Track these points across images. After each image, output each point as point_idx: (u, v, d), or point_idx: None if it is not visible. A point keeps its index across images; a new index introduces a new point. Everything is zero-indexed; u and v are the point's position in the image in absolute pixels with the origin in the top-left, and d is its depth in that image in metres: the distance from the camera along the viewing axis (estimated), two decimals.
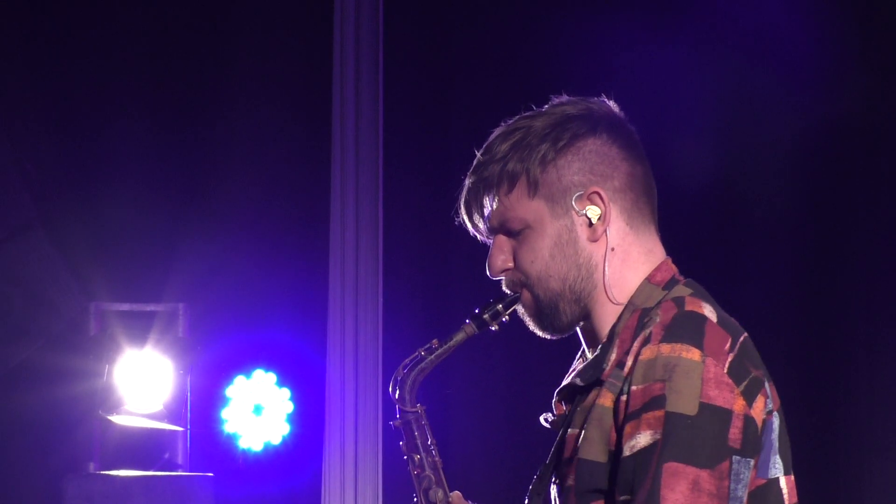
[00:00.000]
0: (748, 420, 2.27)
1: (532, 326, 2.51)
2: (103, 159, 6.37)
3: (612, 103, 2.56)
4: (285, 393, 6.33)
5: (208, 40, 6.46)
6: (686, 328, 2.31)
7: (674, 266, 2.49)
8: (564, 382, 2.46)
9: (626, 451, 2.26)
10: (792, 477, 2.37)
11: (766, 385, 2.33)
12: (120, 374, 5.87)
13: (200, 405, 6.17)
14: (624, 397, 2.30)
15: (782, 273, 5.93)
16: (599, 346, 2.44)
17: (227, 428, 6.29)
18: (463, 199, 2.55)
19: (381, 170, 6.37)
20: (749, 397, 2.29)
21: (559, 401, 2.47)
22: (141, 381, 5.88)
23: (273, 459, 6.33)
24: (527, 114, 2.56)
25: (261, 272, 6.43)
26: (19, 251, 6.17)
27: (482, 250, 7.28)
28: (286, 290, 6.45)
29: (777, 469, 2.33)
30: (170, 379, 5.93)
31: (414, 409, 2.65)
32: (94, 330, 5.96)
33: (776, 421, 2.33)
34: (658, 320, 2.34)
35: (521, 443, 5.99)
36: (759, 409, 2.30)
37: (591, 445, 2.33)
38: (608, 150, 2.47)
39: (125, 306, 6.02)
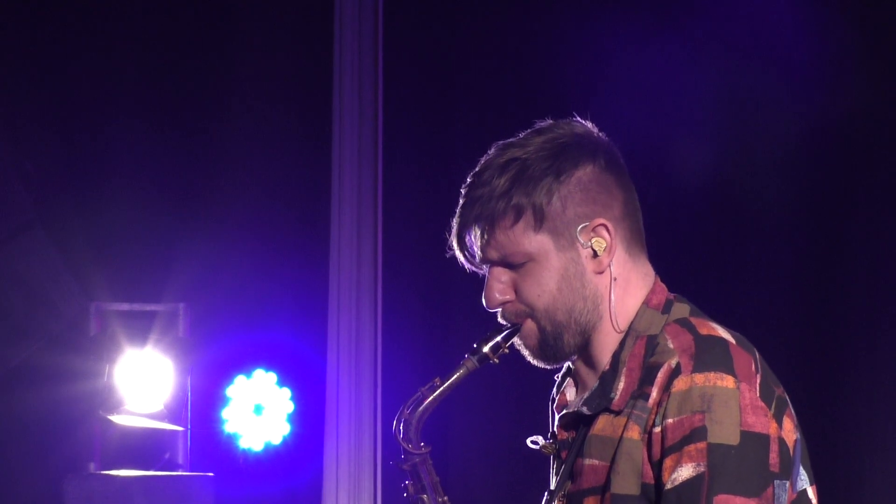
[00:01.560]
0: (782, 442, 2.28)
1: (529, 357, 2.49)
2: (104, 159, 6.38)
3: (588, 124, 2.53)
4: (286, 393, 6.33)
5: (209, 40, 6.46)
6: (714, 355, 2.29)
7: (662, 284, 2.47)
8: (567, 410, 2.44)
9: (668, 485, 2.25)
10: (814, 486, 2.37)
11: (789, 403, 2.34)
12: (120, 374, 5.87)
13: (201, 405, 6.17)
14: (658, 429, 2.28)
15: (782, 274, 5.93)
16: (601, 374, 2.42)
17: (228, 428, 6.29)
18: (456, 233, 2.51)
19: (381, 170, 6.37)
20: (779, 419, 2.29)
21: (561, 426, 2.45)
22: (141, 381, 5.89)
23: (273, 459, 6.33)
24: (510, 142, 2.52)
25: (261, 272, 6.43)
26: (19, 251, 6.18)
27: None
28: (286, 290, 6.45)
29: (804, 481, 2.33)
30: (170, 379, 5.94)
31: (420, 451, 2.63)
32: (94, 330, 5.96)
33: (800, 436, 2.34)
34: (673, 346, 2.32)
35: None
36: (788, 430, 2.30)
37: (625, 479, 2.31)
38: (605, 178, 2.45)
39: (125, 306, 6.02)
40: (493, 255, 2.46)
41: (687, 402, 2.26)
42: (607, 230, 2.41)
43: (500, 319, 2.50)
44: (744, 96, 6.14)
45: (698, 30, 6.24)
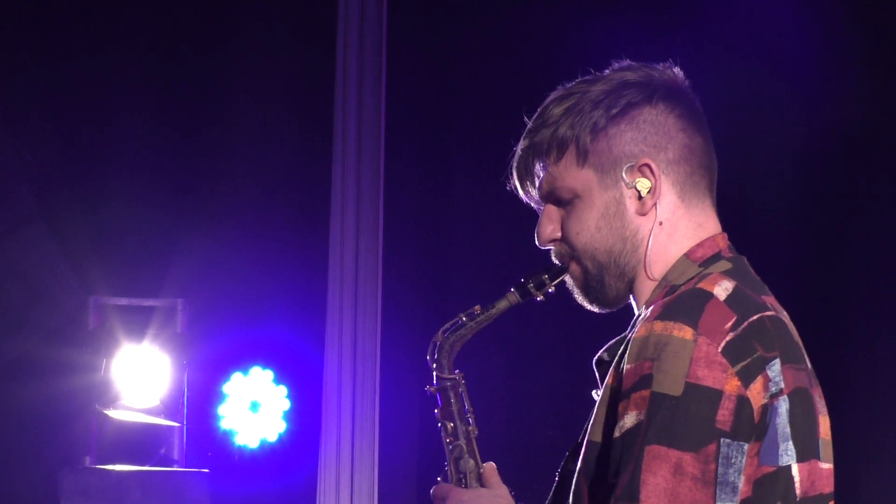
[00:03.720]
0: (742, 401, 2.15)
1: (580, 299, 2.42)
2: (104, 154, 6.38)
3: (677, 70, 2.46)
4: (282, 390, 6.34)
5: (211, 37, 6.46)
6: (684, 306, 2.20)
7: (723, 241, 2.38)
8: (597, 356, 2.38)
9: (616, 433, 2.18)
10: (816, 464, 2.26)
11: (774, 366, 2.20)
12: (117, 369, 5.88)
13: (197, 401, 6.17)
14: (620, 376, 2.21)
15: (782, 275, 5.93)
16: (632, 322, 2.35)
17: (224, 424, 6.29)
18: (514, 165, 2.44)
19: (381, 168, 6.37)
20: (746, 378, 2.17)
21: (600, 376, 2.36)
22: (138, 376, 5.89)
23: (269, 456, 6.34)
24: (587, 77, 2.45)
25: (260, 269, 6.43)
26: (19, 244, 6.18)
27: (481, 250, 7.29)
28: (285, 287, 6.45)
29: (789, 456, 2.21)
30: (167, 374, 5.94)
31: (451, 376, 2.54)
32: (92, 324, 5.96)
33: (783, 405, 2.20)
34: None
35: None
36: (756, 391, 2.17)
37: (597, 426, 2.25)
38: (664, 119, 2.37)
39: (124, 301, 6.02)
40: (544, 189, 2.40)
41: (643, 348, 2.17)
42: (651, 171, 2.34)
43: (553, 259, 2.43)
44: (744, 97, 6.14)
45: (698, 31, 6.24)
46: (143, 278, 6.22)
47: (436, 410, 2.56)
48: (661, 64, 2.46)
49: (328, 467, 6.26)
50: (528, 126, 2.44)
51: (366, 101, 6.36)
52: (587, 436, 2.26)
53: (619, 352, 2.28)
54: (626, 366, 2.19)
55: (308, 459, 6.33)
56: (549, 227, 2.41)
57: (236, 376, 6.31)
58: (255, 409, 6.31)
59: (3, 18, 6.29)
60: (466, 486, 2.49)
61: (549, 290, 2.45)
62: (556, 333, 6.21)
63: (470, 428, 2.54)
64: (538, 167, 2.41)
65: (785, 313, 2.34)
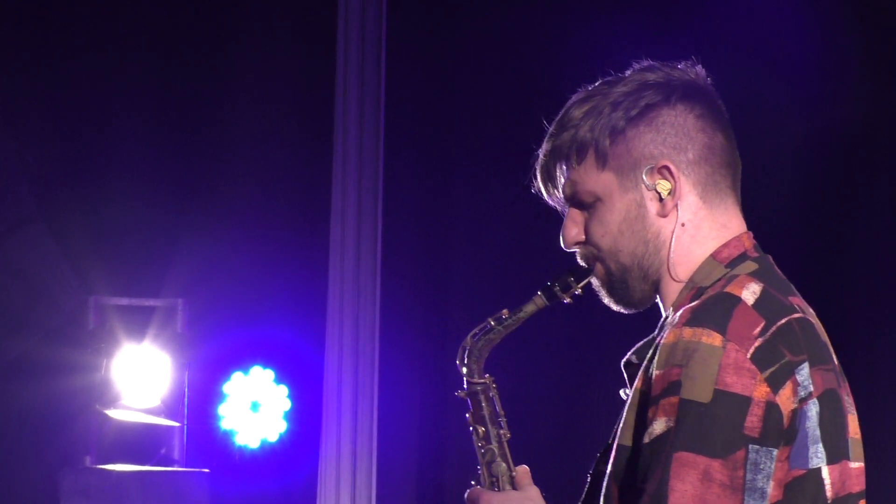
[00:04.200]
0: (771, 408, 2.17)
1: (606, 300, 2.43)
2: (105, 154, 6.38)
3: (699, 69, 2.47)
4: (283, 390, 6.34)
5: (211, 37, 6.46)
6: (713, 311, 2.21)
7: (749, 241, 2.39)
8: (625, 358, 2.39)
9: (645, 438, 2.19)
10: (847, 465, 2.28)
11: (802, 370, 2.21)
12: (118, 369, 5.88)
13: (198, 401, 6.17)
14: (650, 382, 2.22)
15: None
16: (660, 324, 2.37)
17: (224, 424, 6.29)
18: (538, 168, 2.45)
19: (381, 168, 6.38)
20: (775, 384, 2.18)
21: (629, 377, 2.37)
22: (139, 376, 5.89)
23: (269, 456, 6.33)
24: (608, 79, 2.45)
25: (260, 269, 6.43)
26: (19, 244, 6.18)
27: (480, 251, 7.29)
28: (285, 287, 6.45)
29: (819, 458, 2.21)
30: (167, 374, 5.94)
31: (482, 381, 2.57)
32: (92, 324, 5.96)
33: (813, 409, 2.21)
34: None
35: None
36: (786, 397, 2.18)
37: (627, 430, 2.26)
38: (683, 120, 2.38)
39: (124, 301, 6.02)
40: (567, 192, 2.41)
41: (672, 354, 2.18)
42: (671, 172, 2.34)
43: (579, 261, 2.43)
44: (744, 97, 6.14)
45: (698, 31, 6.24)
46: (143, 278, 6.22)
47: (467, 415, 2.58)
48: (682, 62, 2.47)
49: (328, 467, 6.26)
50: (550, 129, 2.45)
51: (366, 101, 6.36)
52: (617, 439, 2.27)
53: (648, 355, 2.29)
54: (654, 371, 2.21)
55: (308, 459, 6.33)
56: (573, 231, 2.42)
57: (237, 376, 6.31)
58: (255, 409, 6.31)
59: (3, 18, 6.29)
60: (499, 490, 2.50)
61: (576, 293, 2.46)
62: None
63: (502, 431, 2.55)
64: (560, 170, 2.41)
65: (811, 311, 2.34)
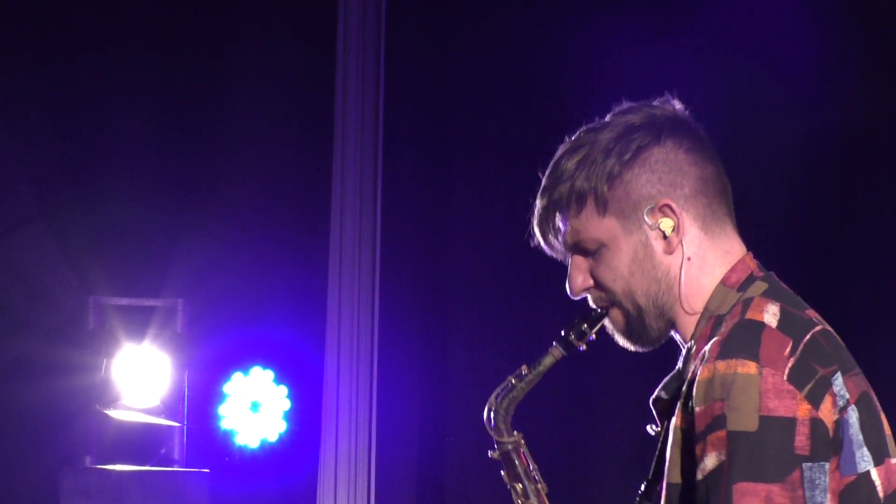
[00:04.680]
0: (816, 423, 2.23)
1: (621, 342, 2.48)
2: (105, 154, 6.38)
3: (675, 103, 2.50)
4: (283, 390, 6.34)
5: (211, 37, 6.46)
6: (742, 340, 2.26)
7: (752, 262, 2.45)
8: (654, 394, 2.44)
9: (699, 475, 2.24)
10: (890, 462, 2.31)
11: (837, 381, 2.28)
12: (118, 369, 5.88)
13: (198, 401, 6.17)
14: (690, 418, 2.28)
15: (782, 275, 5.93)
16: (682, 358, 2.42)
17: (224, 424, 6.29)
18: (536, 223, 2.48)
19: (381, 168, 6.37)
20: (815, 400, 2.24)
21: (658, 413, 2.44)
22: (138, 376, 5.89)
23: (269, 456, 6.33)
24: (590, 126, 2.47)
25: (260, 269, 6.43)
26: (19, 244, 6.18)
27: (481, 250, 7.26)
28: (285, 287, 6.45)
29: (866, 462, 2.27)
30: (167, 374, 5.94)
31: (511, 439, 2.63)
32: (92, 324, 5.96)
33: (853, 415, 2.27)
34: (722, 330, 2.30)
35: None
36: (827, 410, 2.25)
37: (674, 467, 2.31)
38: (674, 156, 2.42)
39: (124, 301, 6.02)
40: (569, 241, 2.45)
41: (710, 389, 2.24)
42: (672, 210, 2.39)
43: (592, 305, 2.48)
44: (744, 97, 6.14)
45: (698, 31, 6.24)
46: (144, 278, 6.22)
47: (502, 472, 2.63)
48: (657, 99, 2.50)
49: (328, 467, 6.26)
50: (543, 183, 2.48)
51: (366, 101, 6.36)
52: (665, 478, 2.33)
53: (678, 388, 2.35)
54: (695, 408, 2.25)
55: (308, 459, 6.33)
56: (579, 278, 2.46)
57: (237, 376, 6.31)
58: (255, 409, 6.31)
59: (3, 18, 6.29)
60: None
61: (591, 338, 2.52)
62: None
63: (539, 486, 2.63)
64: (559, 222, 2.45)
65: (825, 321, 2.41)
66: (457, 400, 6.43)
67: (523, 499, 2.62)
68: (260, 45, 6.50)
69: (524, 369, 2.60)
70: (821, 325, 2.35)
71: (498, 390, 2.61)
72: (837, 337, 2.38)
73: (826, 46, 6.14)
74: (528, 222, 2.51)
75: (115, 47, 6.36)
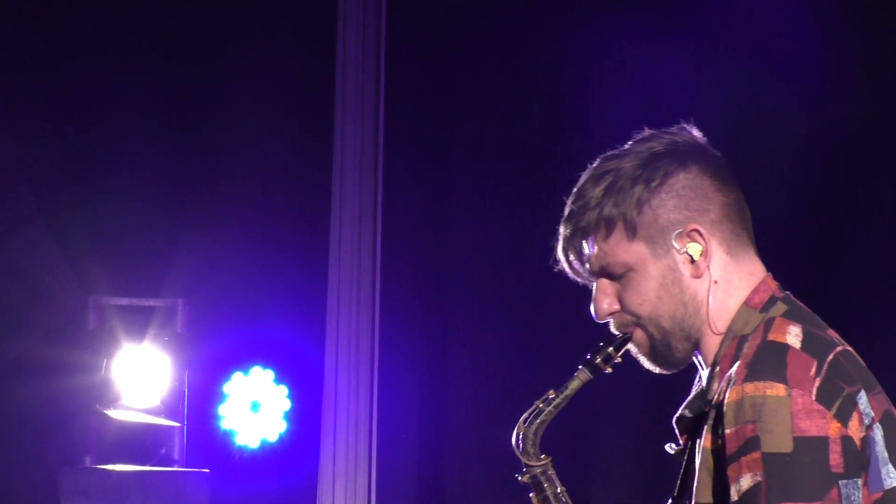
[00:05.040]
0: (846, 441, 2.29)
1: (646, 364, 2.53)
2: (105, 154, 6.38)
3: (693, 130, 2.55)
4: (283, 390, 6.34)
5: (211, 37, 6.46)
6: (768, 363, 2.32)
7: (773, 283, 2.50)
8: (678, 413, 2.49)
9: (734, 496, 2.28)
10: None
11: (861, 399, 2.34)
12: (118, 369, 5.87)
13: (198, 401, 6.17)
14: (720, 441, 2.32)
15: (782, 276, 5.93)
16: (706, 377, 2.46)
17: (224, 424, 6.29)
18: (560, 248, 2.53)
19: (381, 169, 6.37)
20: (843, 417, 2.30)
21: (680, 431, 2.49)
22: (139, 376, 5.89)
23: (269, 456, 6.33)
24: (611, 153, 2.53)
25: (260, 269, 6.43)
26: (19, 244, 6.18)
27: (481, 250, 7.26)
28: (285, 287, 6.45)
29: (892, 478, 2.34)
30: (167, 374, 5.94)
31: (540, 463, 2.67)
32: (92, 324, 5.96)
33: (878, 433, 2.34)
34: (744, 352, 2.35)
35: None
36: (855, 427, 2.31)
37: (704, 489, 2.36)
38: (700, 182, 2.47)
39: (124, 301, 6.02)
40: (595, 267, 2.50)
41: (740, 412, 2.28)
42: (701, 235, 2.45)
43: (613, 330, 2.53)
44: (744, 97, 6.14)
45: (698, 31, 6.24)
46: (144, 278, 6.22)
47: (531, 495, 2.68)
48: (674, 126, 2.56)
49: (328, 467, 6.26)
50: (568, 209, 2.52)
51: (366, 101, 6.36)
52: (694, 498, 2.37)
53: (701, 407, 2.41)
54: (725, 430, 2.30)
55: (308, 459, 6.33)
56: (605, 302, 2.50)
57: (237, 376, 6.31)
58: (255, 409, 6.31)
59: (3, 18, 6.29)
60: None
61: (616, 361, 2.56)
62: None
63: None
64: (586, 247, 2.49)
65: (845, 342, 2.47)
66: (457, 400, 6.43)
67: None
68: (260, 45, 6.50)
69: (551, 394, 2.64)
70: (842, 346, 2.41)
71: (525, 415, 2.65)
72: (858, 357, 2.44)
73: (826, 46, 6.14)
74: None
75: (115, 47, 6.36)
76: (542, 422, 2.65)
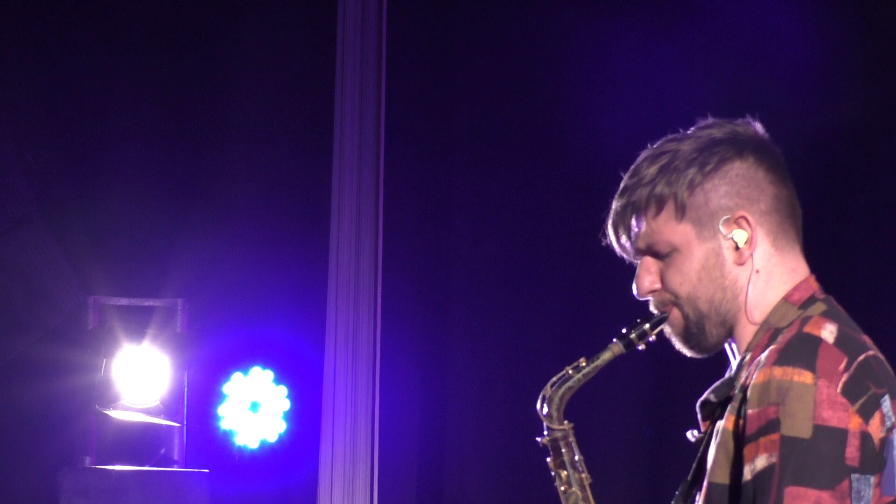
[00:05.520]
0: (865, 437, 2.32)
1: (679, 346, 2.55)
2: (105, 154, 6.38)
3: (757, 125, 2.61)
4: (282, 390, 6.33)
5: (211, 37, 6.46)
6: (799, 351, 2.34)
7: (815, 283, 2.54)
8: (702, 398, 2.51)
9: (747, 475, 2.32)
10: None
11: (885, 402, 2.37)
12: (117, 369, 5.87)
13: (197, 401, 6.17)
14: (742, 421, 2.36)
15: None
16: (735, 365, 2.49)
17: (224, 424, 6.29)
18: (610, 222, 2.57)
19: (381, 168, 6.37)
20: (866, 414, 2.33)
21: (703, 417, 2.52)
22: (138, 376, 5.89)
23: (269, 457, 6.33)
24: (673, 136, 2.57)
25: (260, 269, 6.43)
26: (19, 243, 6.18)
27: (481, 250, 7.26)
28: (285, 287, 6.45)
29: None
30: (167, 374, 5.93)
31: (562, 427, 2.70)
32: (92, 324, 5.96)
33: None
34: (778, 341, 2.38)
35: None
36: (875, 426, 2.34)
37: (719, 468, 2.39)
38: (754, 173, 2.52)
39: (124, 301, 6.02)
40: (642, 244, 2.53)
41: (765, 393, 2.31)
42: (748, 222, 2.48)
43: (651, 308, 2.56)
44: (744, 97, 6.14)
45: (699, 31, 6.24)
46: (144, 278, 6.22)
47: (548, 459, 2.70)
48: (740, 119, 2.62)
49: (328, 467, 6.26)
50: (623, 184, 2.56)
51: (366, 100, 6.36)
52: (708, 477, 2.40)
53: (727, 393, 2.44)
54: (748, 410, 2.34)
55: (308, 459, 6.33)
56: (647, 279, 2.54)
57: (236, 376, 6.31)
58: (255, 409, 6.31)
59: (2, 18, 6.29)
60: None
61: (651, 339, 2.59)
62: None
63: (583, 475, 2.70)
64: (635, 223, 2.53)
65: (877, 348, 2.49)
66: (457, 400, 6.43)
67: (567, 486, 2.69)
68: (260, 45, 6.50)
69: (582, 361, 2.66)
70: (873, 351, 2.43)
71: (554, 379, 2.67)
72: (888, 366, 2.45)
73: (826, 46, 6.14)
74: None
75: (114, 46, 6.36)
76: (570, 388, 2.67)
